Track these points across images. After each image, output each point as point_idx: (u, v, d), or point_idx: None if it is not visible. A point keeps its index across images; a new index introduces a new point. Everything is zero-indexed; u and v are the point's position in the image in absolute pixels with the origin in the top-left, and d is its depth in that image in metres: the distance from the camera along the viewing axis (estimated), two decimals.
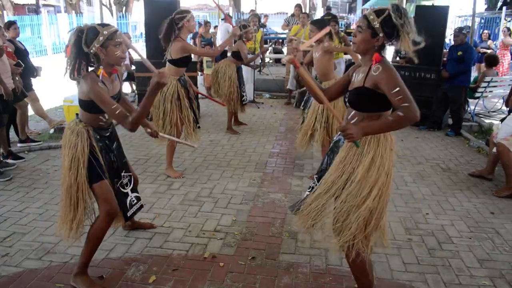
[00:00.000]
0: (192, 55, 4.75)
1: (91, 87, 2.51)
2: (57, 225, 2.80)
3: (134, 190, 3.12)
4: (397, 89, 2.13)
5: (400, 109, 2.12)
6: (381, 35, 2.19)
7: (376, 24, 2.18)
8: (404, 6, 15.76)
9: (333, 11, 28.79)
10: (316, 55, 4.69)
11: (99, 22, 2.94)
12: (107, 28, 2.54)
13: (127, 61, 8.42)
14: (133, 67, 8.51)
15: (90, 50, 2.54)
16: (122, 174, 2.96)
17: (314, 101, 4.60)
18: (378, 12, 2.19)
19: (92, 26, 2.56)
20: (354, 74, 2.41)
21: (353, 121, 2.33)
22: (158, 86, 2.45)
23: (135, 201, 3.12)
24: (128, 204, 3.03)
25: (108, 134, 2.84)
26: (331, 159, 2.50)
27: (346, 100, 2.41)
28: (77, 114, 2.79)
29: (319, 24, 4.66)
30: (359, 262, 2.39)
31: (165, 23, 4.36)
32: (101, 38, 2.50)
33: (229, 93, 6.25)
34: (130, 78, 8.70)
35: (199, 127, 4.84)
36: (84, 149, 2.64)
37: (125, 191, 3.01)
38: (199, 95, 5.57)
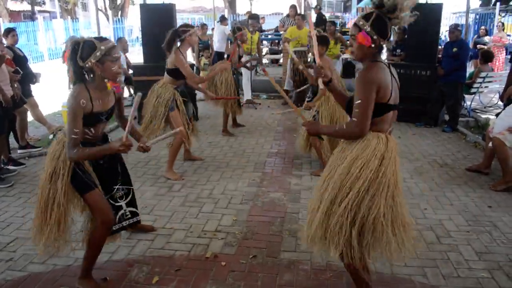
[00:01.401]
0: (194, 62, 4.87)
1: (69, 101, 2.48)
2: (31, 238, 2.75)
3: (130, 204, 3.10)
4: (358, 101, 2.18)
5: (349, 121, 2.23)
6: (375, 37, 2.21)
7: (368, 28, 2.20)
8: None
9: (328, 10, 28.84)
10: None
11: (97, 36, 2.81)
12: (104, 43, 2.48)
13: (124, 66, 8.44)
14: (131, 71, 8.54)
15: (85, 65, 2.47)
16: (115, 187, 2.96)
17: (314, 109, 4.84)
18: (366, 16, 2.22)
19: (89, 39, 2.49)
20: None
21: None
22: (114, 151, 2.52)
23: (129, 215, 3.11)
24: (117, 218, 3.01)
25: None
26: None
27: None
28: None
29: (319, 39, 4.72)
30: (352, 269, 2.40)
31: (168, 33, 4.51)
32: (98, 53, 2.45)
33: (226, 95, 6.29)
34: (128, 82, 8.72)
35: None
36: (66, 160, 2.57)
37: (118, 204, 3.01)
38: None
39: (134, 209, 3.16)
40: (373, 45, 2.22)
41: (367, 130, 2.21)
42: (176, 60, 4.49)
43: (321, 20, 11.60)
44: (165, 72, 4.66)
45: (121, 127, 3.04)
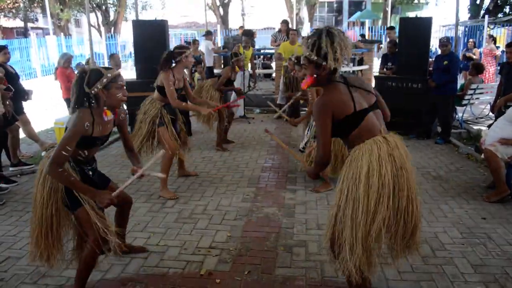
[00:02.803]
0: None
1: (74, 122, 2.57)
2: (28, 256, 2.77)
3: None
4: (317, 129, 2.37)
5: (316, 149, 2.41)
6: (324, 63, 2.29)
7: (314, 57, 2.29)
8: (389, 18, 15.95)
9: (320, 25, 29.13)
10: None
11: (104, 66, 2.89)
12: (111, 71, 2.64)
13: None
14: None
15: (91, 91, 2.59)
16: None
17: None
18: (311, 46, 2.31)
19: (96, 68, 2.67)
20: None
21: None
22: (98, 200, 2.58)
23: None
24: None
25: (89, 168, 2.83)
26: None
27: None
28: None
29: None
30: (354, 285, 2.42)
31: (164, 54, 4.59)
32: (104, 80, 2.58)
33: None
34: None
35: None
36: None
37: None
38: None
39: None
40: (320, 73, 2.33)
41: (329, 153, 2.36)
42: (164, 78, 4.54)
43: None
44: (155, 89, 4.69)
45: (127, 155, 3.09)
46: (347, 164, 2.40)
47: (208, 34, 11.32)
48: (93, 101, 2.64)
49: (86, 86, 2.59)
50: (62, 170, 2.49)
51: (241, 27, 16.50)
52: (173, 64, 4.65)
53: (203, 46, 10.79)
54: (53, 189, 2.64)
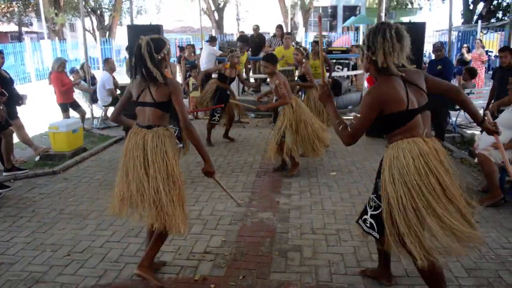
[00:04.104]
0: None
1: (179, 91, 2.93)
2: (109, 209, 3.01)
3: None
4: (358, 115, 2.39)
5: (349, 126, 2.44)
6: (373, 57, 2.37)
7: (365, 51, 2.42)
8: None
9: (314, 29, 29.17)
10: (272, 86, 5.30)
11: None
12: (167, 41, 3.03)
13: (111, 86, 8.44)
14: (118, 92, 8.54)
15: (159, 56, 2.88)
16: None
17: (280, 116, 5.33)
18: (365, 40, 2.42)
19: (158, 37, 3.00)
20: None
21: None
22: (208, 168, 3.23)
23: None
24: None
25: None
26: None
27: None
28: (149, 126, 2.92)
29: (271, 59, 5.25)
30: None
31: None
32: (168, 46, 2.98)
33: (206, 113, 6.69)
34: (115, 103, 8.71)
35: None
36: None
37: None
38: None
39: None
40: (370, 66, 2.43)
41: (354, 141, 2.43)
42: None
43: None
44: None
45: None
46: (386, 161, 2.48)
47: (213, 40, 11.21)
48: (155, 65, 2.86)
49: (155, 52, 2.85)
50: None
51: (241, 32, 16.43)
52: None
53: (206, 51, 10.75)
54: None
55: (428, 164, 2.34)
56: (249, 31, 13.42)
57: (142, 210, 2.91)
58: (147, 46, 2.85)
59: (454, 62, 13.57)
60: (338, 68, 10.61)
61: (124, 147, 2.97)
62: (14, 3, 26.50)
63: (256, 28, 12.01)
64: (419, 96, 2.42)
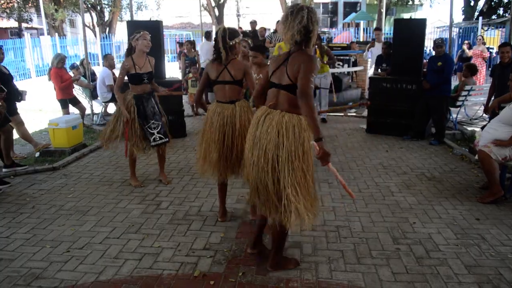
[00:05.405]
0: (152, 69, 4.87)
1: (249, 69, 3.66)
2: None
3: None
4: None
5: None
6: None
7: None
8: (383, 19, 15.98)
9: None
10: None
11: None
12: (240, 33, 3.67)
13: (111, 82, 8.42)
14: None
15: (231, 42, 3.52)
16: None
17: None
18: None
19: (233, 28, 3.67)
20: None
21: None
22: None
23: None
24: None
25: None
26: None
27: None
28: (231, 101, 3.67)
29: (260, 49, 4.66)
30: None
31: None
32: (241, 36, 3.64)
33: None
34: (115, 99, 8.69)
35: (152, 146, 4.81)
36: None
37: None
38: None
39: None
40: None
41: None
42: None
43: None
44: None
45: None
46: None
47: (209, 36, 11.28)
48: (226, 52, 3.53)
49: (228, 39, 3.49)
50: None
51: (240, 28, 16.39)
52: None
53: (205, 48, 10.74)
54: None
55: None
56: (248, 27, 13.39)
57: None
58: (223, 32, 3.47)
59: (455, 58, 13.55)
60: (339, 64, 10.57)
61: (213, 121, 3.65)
62: None
63: (254, 22, 11.99)
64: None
